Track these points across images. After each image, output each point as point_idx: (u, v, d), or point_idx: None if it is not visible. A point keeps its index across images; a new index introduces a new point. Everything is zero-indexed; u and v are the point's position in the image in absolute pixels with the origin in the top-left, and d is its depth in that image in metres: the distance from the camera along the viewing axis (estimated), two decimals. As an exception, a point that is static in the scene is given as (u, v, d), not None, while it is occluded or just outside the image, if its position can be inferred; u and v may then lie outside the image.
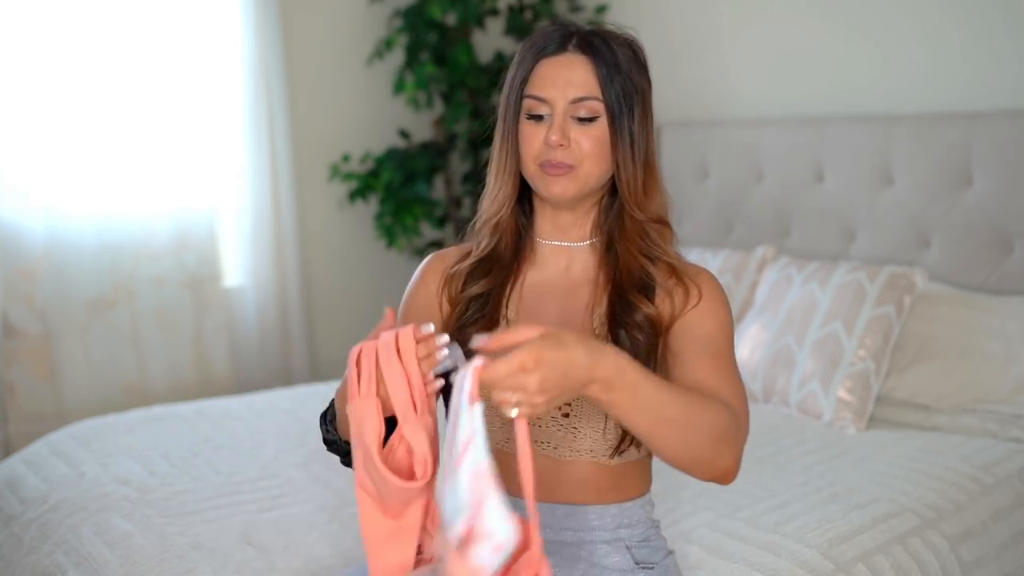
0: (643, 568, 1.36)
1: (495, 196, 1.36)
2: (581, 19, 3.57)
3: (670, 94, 3.45)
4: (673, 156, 3.30)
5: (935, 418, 2.37)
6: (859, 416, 2.38)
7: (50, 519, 1.99)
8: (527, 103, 1.30)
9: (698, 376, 1.23)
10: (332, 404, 1.31)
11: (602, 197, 1.36)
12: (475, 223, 1.41)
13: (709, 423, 1.12)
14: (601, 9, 3.52)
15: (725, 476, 1.18)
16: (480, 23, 3.59)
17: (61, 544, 1.89)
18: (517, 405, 0.99)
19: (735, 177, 3.13)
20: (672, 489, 1.95)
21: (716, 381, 1.22)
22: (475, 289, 1.37)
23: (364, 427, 1.11)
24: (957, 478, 2.04)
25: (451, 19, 3.66)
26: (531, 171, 1.32)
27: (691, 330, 1.28)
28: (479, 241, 1.40)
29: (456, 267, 1.40)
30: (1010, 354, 2.33)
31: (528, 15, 3.63)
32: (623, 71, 1.29)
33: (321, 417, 1.32)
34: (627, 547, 1.36)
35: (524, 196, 1.39)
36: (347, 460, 1.29)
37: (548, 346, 0.98)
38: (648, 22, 3.44)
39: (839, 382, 2.41)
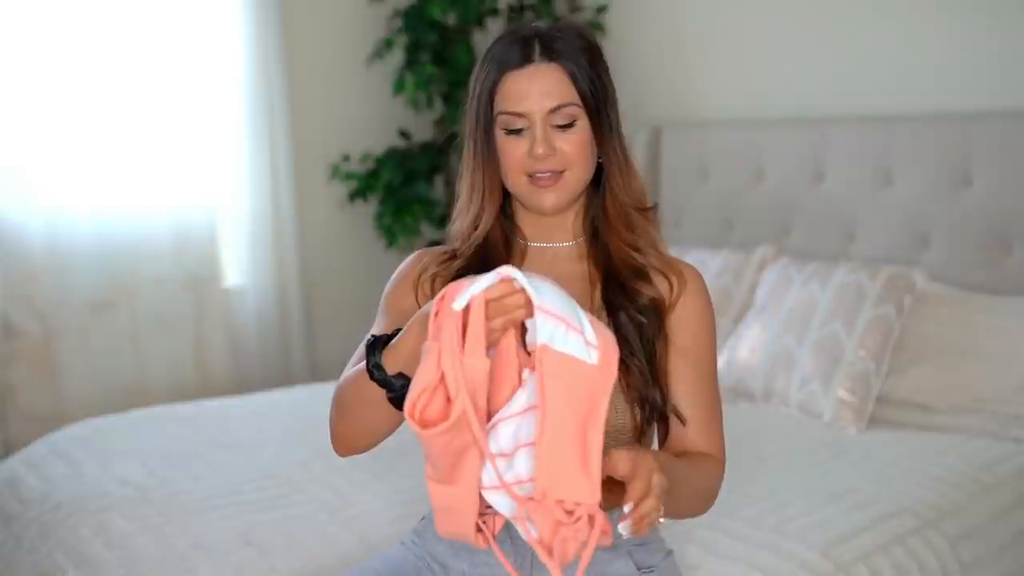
0: (644, 573, 1.35)
1: (476, 214, 1.34)
2: (580, 19, 3.58)
3: (670, 94, 3.45)
4: (673, 156, 3.29)
5: (935, 418, 2.37)
6: (859, 416, 2.37)
7: (50, 519, 1.99)
8: (503, 119, 1.29)
9: (678, 389, 1.30)
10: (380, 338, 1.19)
11: (584, 194, 1.36)
12: (451, 233, 1.38)
13: (704, 489, 1.29)
14: (601, 9, 3.52)
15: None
16: (480, 23, 3.59)
17: (61, 544, 1.89)
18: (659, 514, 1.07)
19: (735, 177, 3.13)
20: (672, 489, 1.95)
21: (699, 406, 1.31)
22: None
23: (475, 388, 1.01)
24: (957, 478, 2.04)
25: (451, 19, 3.66)
26: (518, 183, 1.31)
27: (678, 324, 1.31)
28: (463, 253, 1.36)
29: (443, 267, 1.37)
30: (1010, 354, 2.33)
31: (528, 15, 3.63)
32: (589, 67, 1.29)
33: (370, 347, 1.19)
34: (627, 551, 1.36)
35: (503, 202, 1.37)
36: (396, 398, 1.16)
37: (637, 455, 1.05)
38: (648, 22, 3.44)
39: (839, 382, 2.41)
